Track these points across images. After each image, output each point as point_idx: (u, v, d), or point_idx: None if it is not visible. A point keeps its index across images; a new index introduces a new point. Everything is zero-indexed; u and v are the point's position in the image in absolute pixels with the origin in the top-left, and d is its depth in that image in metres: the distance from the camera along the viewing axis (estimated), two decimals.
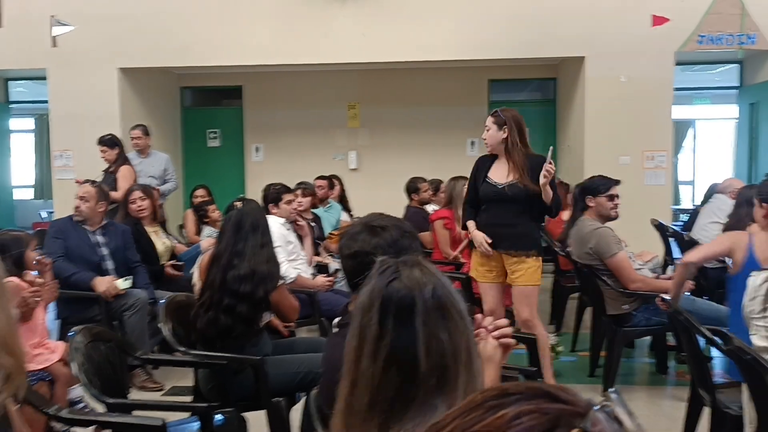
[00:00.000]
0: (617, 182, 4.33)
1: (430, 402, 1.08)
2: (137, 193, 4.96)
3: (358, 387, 1.13)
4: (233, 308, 2.93)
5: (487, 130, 3.86)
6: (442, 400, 1.08)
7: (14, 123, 10.19)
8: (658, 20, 7.30)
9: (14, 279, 3.07)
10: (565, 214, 5.42)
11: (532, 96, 9.62)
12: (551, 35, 7.43)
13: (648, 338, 4.91)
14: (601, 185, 4.32)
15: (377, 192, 7.80)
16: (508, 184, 3.78)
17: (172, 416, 2.90)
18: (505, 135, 3.79)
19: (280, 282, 3.10)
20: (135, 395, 3.98)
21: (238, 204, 3.33)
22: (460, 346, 1.13)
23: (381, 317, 1.13)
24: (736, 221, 4.31)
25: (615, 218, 4.28)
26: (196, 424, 2.52)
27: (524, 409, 0.54)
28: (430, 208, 6.50)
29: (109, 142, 6.21)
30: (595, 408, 0.53)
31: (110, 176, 6.06)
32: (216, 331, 2.94)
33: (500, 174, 3.82)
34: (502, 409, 0.55)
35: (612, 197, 4.26)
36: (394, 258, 1.25)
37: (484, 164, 3.92)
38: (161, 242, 4.98)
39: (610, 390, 0.56)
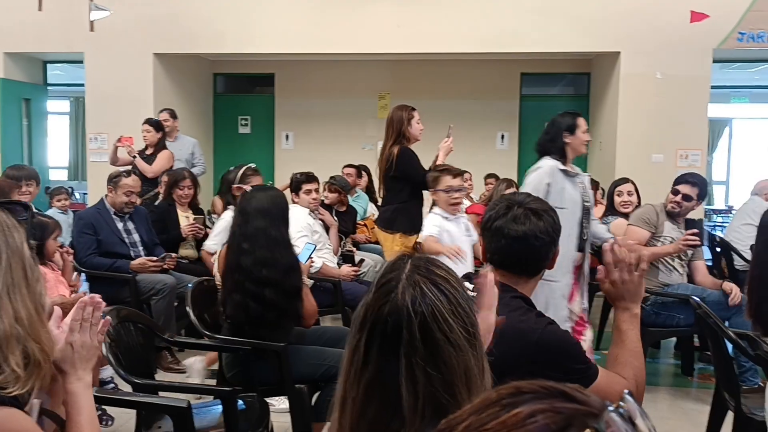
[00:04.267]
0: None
1: None
2: (188, 181, 5.05)
3: (345, 406, 1.08)
4: (260, 294, 2.92)
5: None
6: None
7: (51, 105, 10.39)
8: (696, 16, 7.16)
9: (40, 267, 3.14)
10: (595, 211, 5.38)
11: (564, 91, 9.51)
12: (586, 29, 7.33)
13: (674, 339, 4.86)
14: None
15: None
16: None
17: (196, 399, 2.96)
18: None
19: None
20: (161, 377, 4.06)
21: (247, 188, 3.33)
22: (459, 379, 1.03)
23: (367, 342, 1.05)
24: None
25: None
26: (219, 408, 2.56)
27: (538, 408, 0.55)
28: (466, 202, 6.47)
29: (156, 124, 6.29)
30: (610, 409, 0.53)
31: (149, 158, 6.14)
32: (245, 317, 2.94)
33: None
34: (517, 408, 0.56)
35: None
36: (425, 262, 1.12)
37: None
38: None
39: (625, 391, 0.56)
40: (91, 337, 1.45)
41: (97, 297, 1.48)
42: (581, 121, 3.82)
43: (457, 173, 3.87)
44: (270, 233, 2.95)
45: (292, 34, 7.70)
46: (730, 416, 3.04)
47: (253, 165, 4.71)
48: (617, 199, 4.94)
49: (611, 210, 5.00)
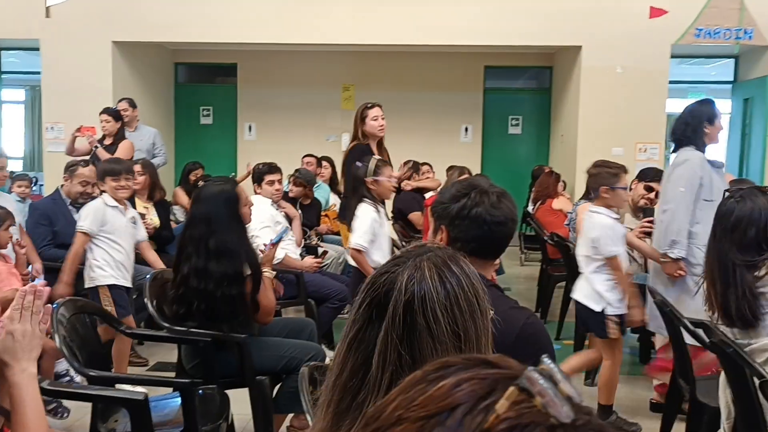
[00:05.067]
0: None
1: None
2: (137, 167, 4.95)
3: (333, 361, 1.10)
4: (206, 290, 2.87)
5: (383, 119, 4.36)
6: None
7: (5, 94, 10.10)
8: (655, 12, 7.28)
9: None
10: (555, 203, 5.45)
11: (527, 84, 9.60)
12: (548, 23, 7.41)
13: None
14: None
15: None
16: None
17: (155, 391, 2.91)
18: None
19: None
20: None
21: (201, 182, 3.27)
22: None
23: (362, 302, 1.08)
24: None
25: None
26: (178, 400, 2.52)
27: (463, 377, 0.56)
28: (429, 193, 6.49)
29: (115, 114, 6.15)
30: (531, 369, 0.54)
31: (109, 148, 6.01)
32: (186, 310, 2.91)
33: None
34: (443, 380, 0.57)
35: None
36: (446, 254, 1.13)
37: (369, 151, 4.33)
38: (149, 220, 4.96)
39: (543, 356, 0.57)
40: (33, 326, 1.40)
41: (40, 285, 1.43)
42: (718, 110, 3.72)
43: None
44: (208, 243, 2.87)
45: (255, 23, 7.61)
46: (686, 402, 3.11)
47: (380, 157, 4.42)
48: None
49: (588, 195, 5.05)
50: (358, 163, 3.84)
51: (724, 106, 9.40)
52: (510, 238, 1.84)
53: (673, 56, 7.54)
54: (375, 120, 4.44)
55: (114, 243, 3.79)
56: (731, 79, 8.64)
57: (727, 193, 2.69)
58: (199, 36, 7.79)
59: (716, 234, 2.58)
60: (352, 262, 3.83)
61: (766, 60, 7.57)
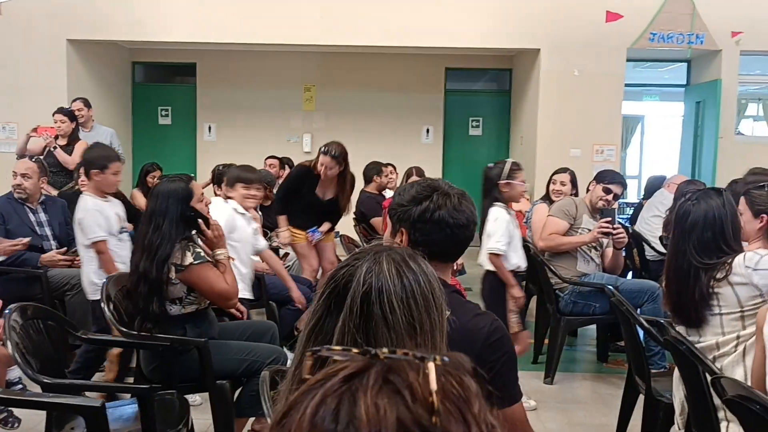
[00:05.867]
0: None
1: None
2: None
3: (296, 352, 1.13)
4: (152, 290, 2.85)
5: (329, 169, 4.79)
6: None
7: None
8: (611, 16, 7.44)
9: None
10: (515, 204, 5.50)
11: (487, 86, 9.69)
12: (508, 27, 7.50)
13: (593, 327, 5.04)
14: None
15: None
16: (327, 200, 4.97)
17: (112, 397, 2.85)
18: (342, 169, 4.84)
19: (197, 262, 2.87)
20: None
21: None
22: None
23: (323, 292, 1.12)
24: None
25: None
26: (134, 406, 2.48)
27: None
28: (389, 193, 6.50)
29: (70, 114, 6.02)
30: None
31: (64, 149, 5.87)
32: (142, 308, 2.87)
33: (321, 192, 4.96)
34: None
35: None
36: (406, 252, 1.17)
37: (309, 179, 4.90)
38: None
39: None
40: None
41: None
42: None
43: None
44: (152, 239, 2.85)
45: (215, 22, 7.52)
46: (641, 399, 3.18)
47: (515, 160, 4.29)
48: (551, 187, 5.08)
49: (547, 197, 5.14)
50: (491, 165, 3.84)
51: (677, 109, 9.66)
52: (470, 240, 1.83)
53: (628, 60, 7.71)
54: (322, 165, 4.79)
55: (237, 252, 3.63)
56: (684, 82, 8.87)
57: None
58: (157, 35, 7.66)
59: (675, 235, 2.63)
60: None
61: (717, 64, 7.79)
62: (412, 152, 8.48)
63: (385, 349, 0.57)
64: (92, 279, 3.67)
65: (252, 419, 3.15)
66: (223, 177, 4.55)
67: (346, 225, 5.74)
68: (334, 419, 0.52)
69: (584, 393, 4.23)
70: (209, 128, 9.20)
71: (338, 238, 5.53)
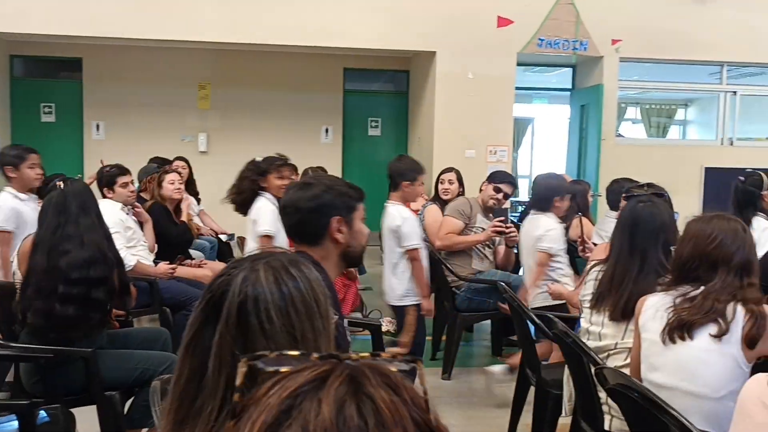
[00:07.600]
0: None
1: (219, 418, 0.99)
2: None
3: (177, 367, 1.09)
4: (82, 296, 2.75)
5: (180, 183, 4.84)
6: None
7: None
8: (503, 22, 7.71)
9: None
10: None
11: (385, 87, 9.79)
12: (404, 28, 7.61)
13: (489, 323, 5.19)
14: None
15: (227, 176, 7.54)
16: None
17: None
18: None
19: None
20: None
21: (60, 184, 3.05)
22: None
23: (199, 305, 1.09)
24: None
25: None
26: (14, 424, 2.33)
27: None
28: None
29: None
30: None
31: None
32: (50, 322, 2.73)
33: None
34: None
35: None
36: (270, 251, 1.16)
37: None
38: None
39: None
40: None
41: None
42: None
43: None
44: (98, 231, 2.88)
45: (103, 16, 7.18)
46: (533, 390, 3.31)
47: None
48: (440, 187, 5.21)
49: (437, 197, 5.25)
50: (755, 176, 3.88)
51: (564, 111, 10.14)
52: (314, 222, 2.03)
53: (519, 64, 8.01)
54: (171, 184, 4.77)
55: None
56: (570, 86, 9.32)
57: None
58: (39, 27, 7.22)
59: (634, 237, 2.57)
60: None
61: (600, 70, 8.24)
62: (313, 152, 8.42)
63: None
64: None
65: (145, 430, 3.04)
66: (115, 178, 4.33)
67: None
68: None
69: (480, 387, 4.36)
70: (97, 126, 8.77)
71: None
